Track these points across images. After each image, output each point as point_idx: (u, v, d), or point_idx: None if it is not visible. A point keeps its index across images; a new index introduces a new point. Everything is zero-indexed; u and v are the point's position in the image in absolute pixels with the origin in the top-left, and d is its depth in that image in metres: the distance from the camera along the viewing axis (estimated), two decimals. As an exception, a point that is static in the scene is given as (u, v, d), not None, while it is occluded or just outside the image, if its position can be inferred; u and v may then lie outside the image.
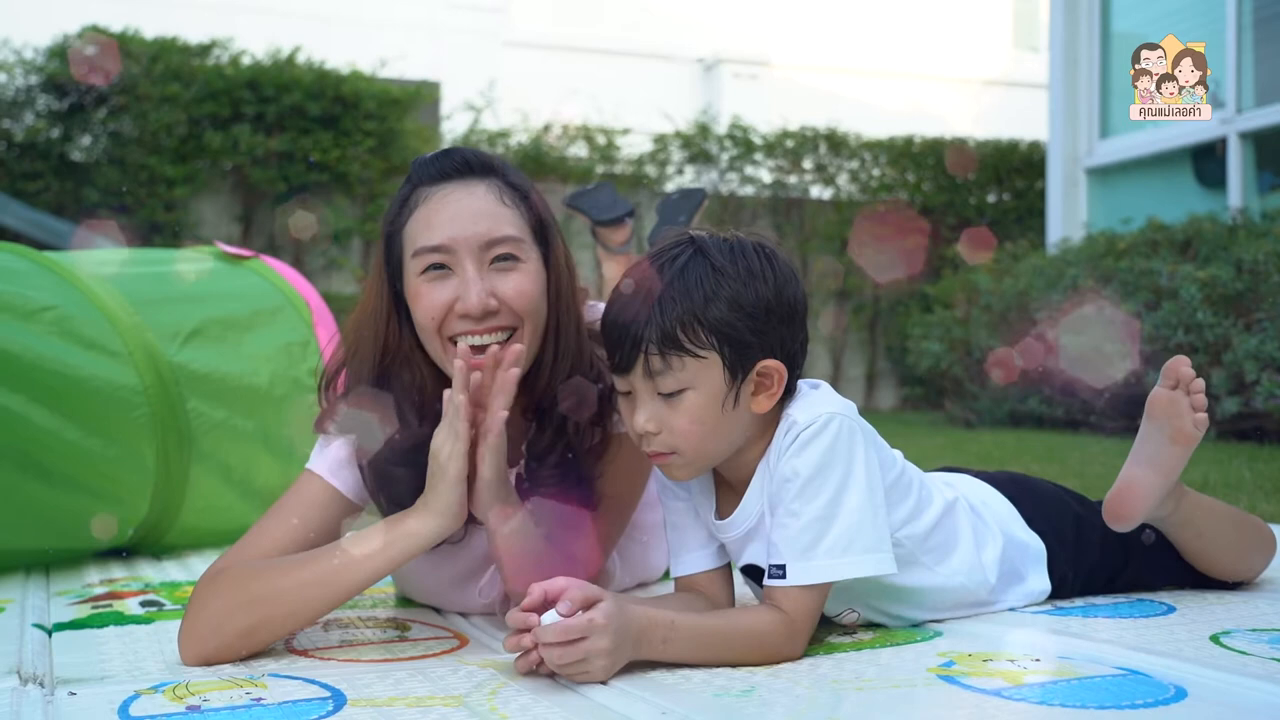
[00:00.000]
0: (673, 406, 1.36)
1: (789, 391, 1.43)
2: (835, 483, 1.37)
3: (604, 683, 1.27)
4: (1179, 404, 1.57)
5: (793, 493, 1.37)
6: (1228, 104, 5.79)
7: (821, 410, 1.39)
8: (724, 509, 1.48)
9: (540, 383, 1.54)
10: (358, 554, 1.44)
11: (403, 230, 1.50)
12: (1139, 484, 1.58)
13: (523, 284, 1.48)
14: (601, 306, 1.65)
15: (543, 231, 1.53)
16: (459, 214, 1.46)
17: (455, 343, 1.46)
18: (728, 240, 1.39)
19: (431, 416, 1.52)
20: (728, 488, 1.48)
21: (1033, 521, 1.65)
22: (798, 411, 1.40)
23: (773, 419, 1.43)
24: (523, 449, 1.59)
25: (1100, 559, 1.68)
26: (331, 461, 1.56)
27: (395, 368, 1.53)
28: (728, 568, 1.53)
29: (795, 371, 1.42)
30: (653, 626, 1.30)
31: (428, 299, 1.46)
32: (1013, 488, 1.69)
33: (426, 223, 1.47)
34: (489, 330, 1.46)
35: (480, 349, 1.45)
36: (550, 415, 1.56)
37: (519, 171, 1.56)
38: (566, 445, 1.56)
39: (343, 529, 1.56)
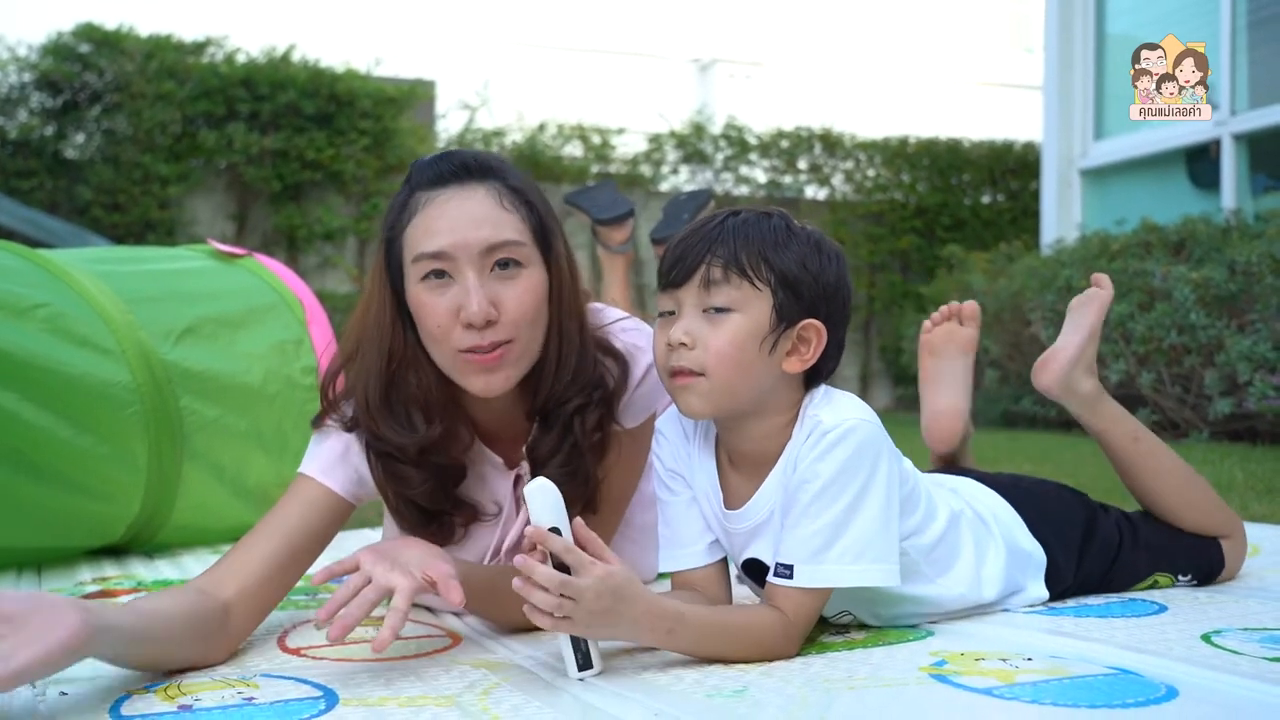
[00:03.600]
0: (715, 325, 1.37)
1: (812, 382, 1.43)
2: (855, 490, 1.36)
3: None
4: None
5: (811, 495, 1.37)
6: (1222, 106, 5.81)
7: (849, 415, 1.39)
8: (732, 499, 1.48)
9: (543, 386, 1.53)
10: None
11: (402, 235, 1.48)
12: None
13: (523, 295, 1.46)
14: (607, 310, 1.65)
15: (544, 234, 1.51)
16: (458, 220, 1.45)
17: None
18: (805, 224, 1.45)
19: (438, 418, 1.52)
20: (736, 477, 1.48)
21: (1037, 529, 1.64)
22: (825, 413, 1.40)
23: (794, 405, 1.42)
24: (523, 451, 1.59)
25: (1097, 562, 1.69)
26: (324, 461, 1.56)
27: (401, 372, 1.52)
28: (724, 564, 1.53)
29: (829, 363, 1.43)
30: (661, 616, 1.31)
31: (431, 308, 1.45)
32: (1019, 494, 1.68)
33: (426, 229, 1.45)
34: (490, 345, 1.45)
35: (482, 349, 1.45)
36: (554, 418, 1.55)
37: (520, 172, 1.53)
38: (573, 446, 1.55)
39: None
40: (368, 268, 7.78)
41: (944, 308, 1.96)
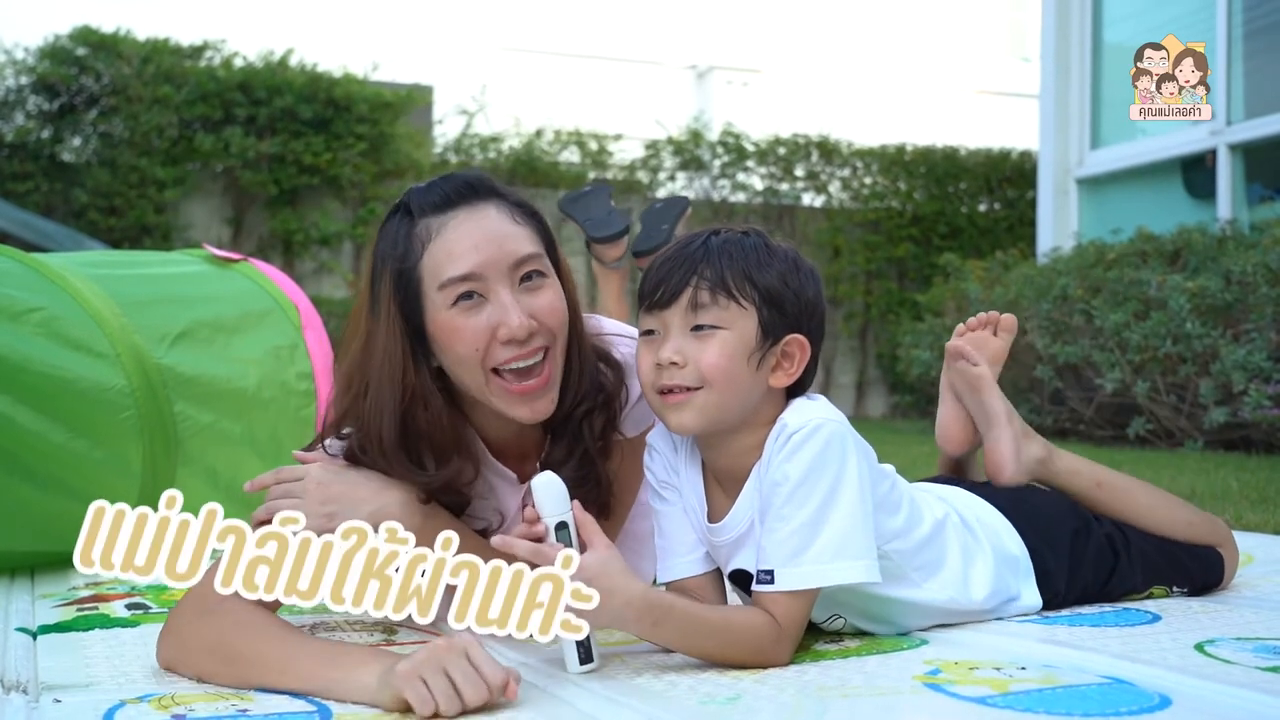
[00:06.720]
0: (703, 341, 1.39)
1: (791, 396, 1.45)
2: (825, 488, 1.37)
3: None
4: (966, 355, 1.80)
5: (782, 497, 1.38)
6: (1218, 116, 5.82)
7: (812, 416, 1.40)
8: (715, 513, 1.48)
9: (567, 396, 1.54)
10: (329, 677, 1.28)
11: (418, 265, 1.46)
12: (994, 442, 1.77)
13: (553, 301, 1.49)
14: (603, 320, 1.66)
15: (551, 245, 1.54)
16: (480, 239, 1.45)
17: (498, 374, 1.46)
18: (780, 242, 1.47)
19: (452, 454, 1.51)
20: (719, 491, 1.49)
21: (1025, 534, 1.65)
22: (790, 416, 1.42)
23: (770, 419, 1.43)
24: (536, 466, 1.59)
25: (1094, 572, 1.69)
26: None
27: (414, 409, 1.50)
28: (718, 572, 1.53)
29: (808, 377, 1.46)
30: (648, 607, 1.31)
31: (468, 330, 1.44)
32: (1006, 500, 1.69)
33: (448, 253, 1.45)
34: (531, 353, 1.46)
35: (524, 371, 1.46)
36: (566, 427, 1.56)
37: (513, 189, 1.56)
38: (584, 452, 1.55)
39: None
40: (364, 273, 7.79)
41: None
